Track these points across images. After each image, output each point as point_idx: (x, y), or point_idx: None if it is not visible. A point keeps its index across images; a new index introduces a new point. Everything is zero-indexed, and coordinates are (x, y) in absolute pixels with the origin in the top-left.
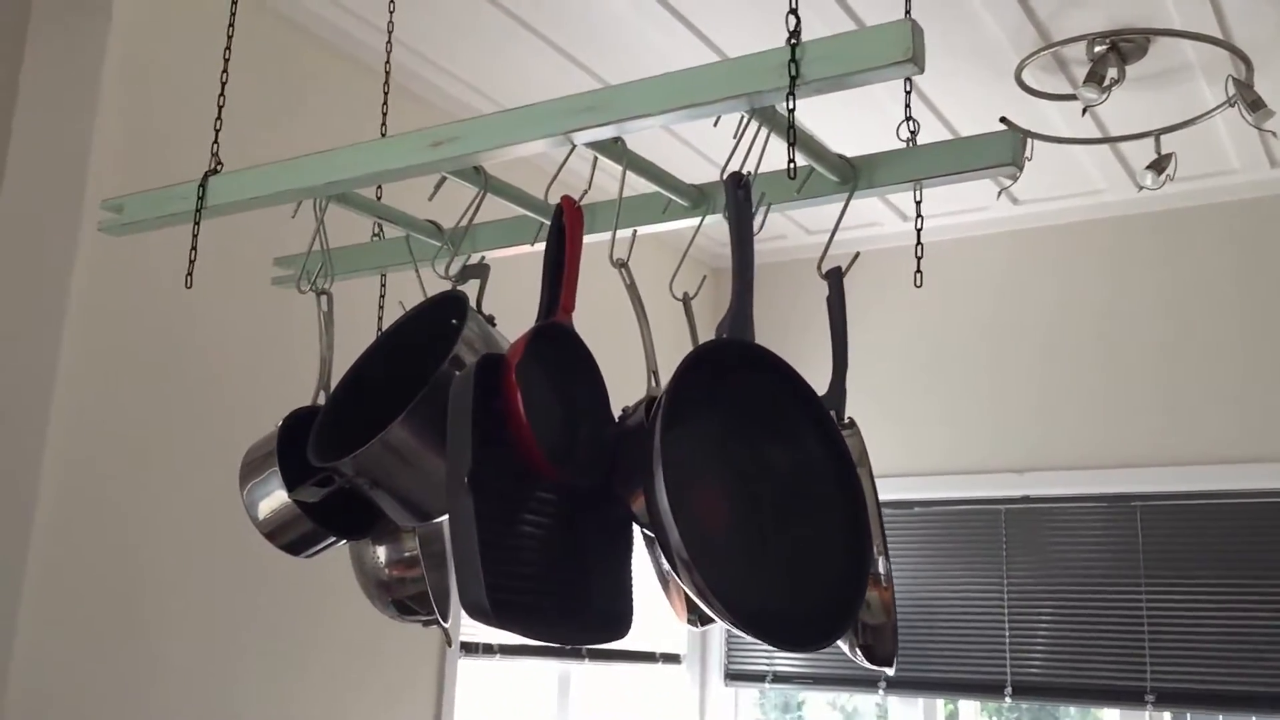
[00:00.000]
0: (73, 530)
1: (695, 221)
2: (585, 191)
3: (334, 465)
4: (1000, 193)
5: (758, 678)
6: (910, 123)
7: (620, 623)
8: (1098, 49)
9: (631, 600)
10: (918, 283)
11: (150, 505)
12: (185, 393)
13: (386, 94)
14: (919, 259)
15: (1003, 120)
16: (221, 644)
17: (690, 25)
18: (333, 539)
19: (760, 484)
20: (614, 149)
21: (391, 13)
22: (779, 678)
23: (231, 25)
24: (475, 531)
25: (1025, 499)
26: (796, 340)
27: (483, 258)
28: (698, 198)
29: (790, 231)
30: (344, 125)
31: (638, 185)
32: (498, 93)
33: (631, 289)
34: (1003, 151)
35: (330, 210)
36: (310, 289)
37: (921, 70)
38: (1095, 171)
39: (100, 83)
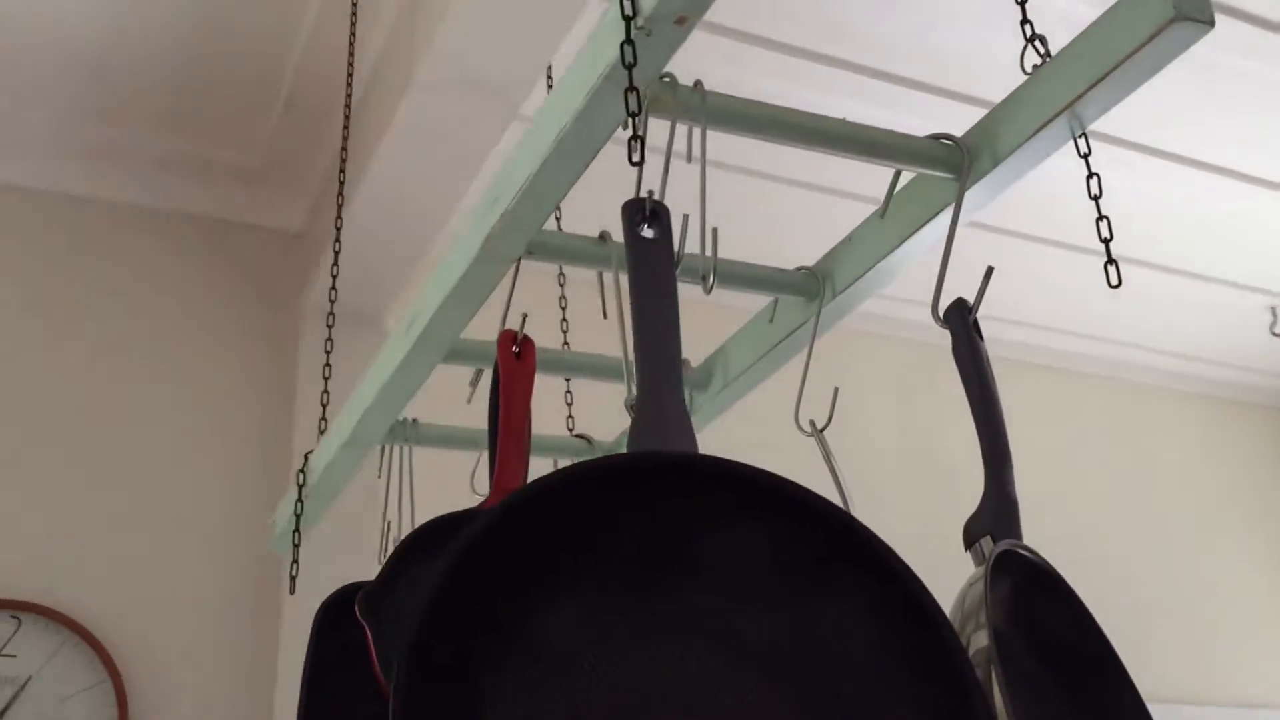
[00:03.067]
0: None
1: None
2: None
3: None
4: None
5: None
6: (1037, 43)
7: None
8: None
9: None
10: (1113, 281)
11: None
12: None
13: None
14: (1103, 227)
15: None
16: None
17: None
18: None
19: (757, 689)
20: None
21: None
22: None
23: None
24: None
25: None
26: None
27: None
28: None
29: None
30: None
31: None
32: None
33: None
34: (1162, 4)
35: None
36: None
37: None
38: None
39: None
